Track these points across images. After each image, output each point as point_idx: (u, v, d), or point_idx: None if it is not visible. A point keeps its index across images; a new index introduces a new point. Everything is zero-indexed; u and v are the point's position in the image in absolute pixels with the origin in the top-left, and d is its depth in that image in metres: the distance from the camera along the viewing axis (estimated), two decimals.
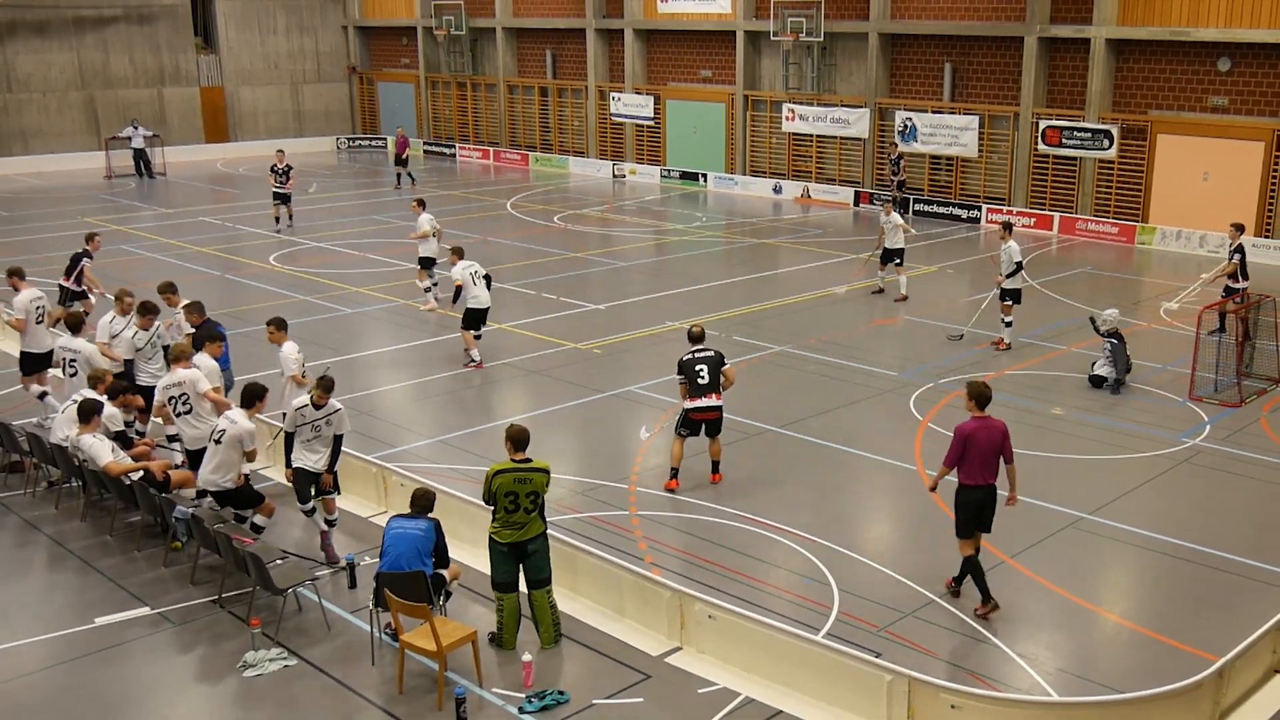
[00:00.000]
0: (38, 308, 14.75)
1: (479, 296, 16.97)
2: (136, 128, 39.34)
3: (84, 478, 12.07)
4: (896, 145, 30.93)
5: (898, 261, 21.45)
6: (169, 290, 14.56)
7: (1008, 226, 18.48)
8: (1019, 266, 17.97)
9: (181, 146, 42.67)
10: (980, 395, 10.20)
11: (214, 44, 44.96)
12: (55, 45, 40.79)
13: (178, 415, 11.82)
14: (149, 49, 42.81)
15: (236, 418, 10.88)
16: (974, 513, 10.08)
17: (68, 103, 41.28)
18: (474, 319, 17.16)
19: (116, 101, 42.16)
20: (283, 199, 28.65)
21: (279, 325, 12.86)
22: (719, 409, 12.61)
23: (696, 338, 12.91)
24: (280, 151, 29.58)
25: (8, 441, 13.14)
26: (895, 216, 21.54)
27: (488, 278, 17.17)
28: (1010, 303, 18.10)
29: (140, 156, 38.89)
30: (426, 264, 20.63)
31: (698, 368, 12.54)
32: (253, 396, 11.02)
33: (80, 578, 10.88)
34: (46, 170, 39.86)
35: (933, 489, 10.49)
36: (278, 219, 28.87)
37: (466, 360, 17.35)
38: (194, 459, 11.58)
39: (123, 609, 10.20)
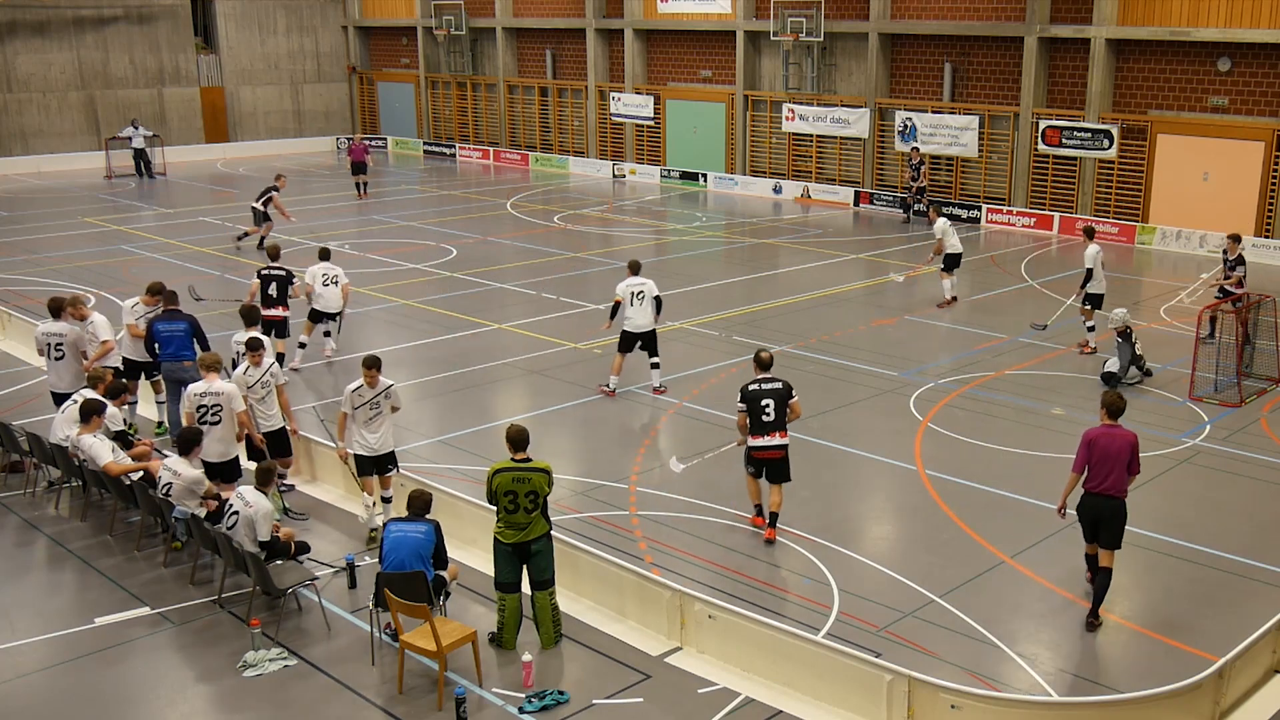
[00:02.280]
0: (56, 344, 13.71)
1: (632, 318, 15.61)
2: (136, 128, 39.30)
3: (84, 478, 12.07)
4: (919, 150, 30.52)
5: (943, 267, 21.11)
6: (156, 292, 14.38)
7: (1089, 232, 18.38)
8: (1089, 274, 17.76)
9: (181, 146, 42.68)
10: (1111, 405, 10.01)
11: (214, 44, 44.95)
12: (55, 45, 40.78)
13: (203, 424, 11.56)
14: (149, 49, 42.81)
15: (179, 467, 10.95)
16: (1089, 518, 9.96)
17: (68, 103, 41.28)
18: (625, 341, 15.87)
19: (116, 101, 42.16)
20: (260, 219, 25.90)
21: (375, 365, 11.36)
22: (783, 449, 11.57)
23: (764, 364, 11.84)
24: (281, 176, 26.90)
25: (8, 441, 13.14)
26: (942, 221, 21.04)
27: (658, 300, 15.73)
28: (1090, 307, 17.93)
29: (140, 156, 38.85)
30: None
31: (763, 402, 11.51)
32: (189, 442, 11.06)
33: (80, 578, 10.88)
34: (46, 170, 39.86)
35: (1061, 507, 10.17)
36: (243, 235, 26.32)
37: (601, 385, 16.16)
38: (211, 471, 11.44)
39: (123, 609, 10.20)
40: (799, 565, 11.07)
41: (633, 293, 15.66)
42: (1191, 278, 23.38)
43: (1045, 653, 9.60)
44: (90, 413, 11.70)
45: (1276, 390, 16.21)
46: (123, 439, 12.23)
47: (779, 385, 11.67)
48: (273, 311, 16.37)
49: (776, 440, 11.52)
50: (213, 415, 11.59)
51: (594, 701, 8.80)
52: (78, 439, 11.71)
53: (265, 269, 16.76)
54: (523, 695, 8.81)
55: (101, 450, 11.48)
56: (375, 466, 11.57)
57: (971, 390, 16.25)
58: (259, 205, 26.00)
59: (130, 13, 42.16)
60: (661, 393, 16.14)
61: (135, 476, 11.48)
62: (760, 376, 11.77)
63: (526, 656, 9.03)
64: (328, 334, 17.90)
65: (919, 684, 8.25)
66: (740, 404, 11.66)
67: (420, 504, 9.38)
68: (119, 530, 11.77)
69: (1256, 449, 14.09)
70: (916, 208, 29.98)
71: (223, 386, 11.65)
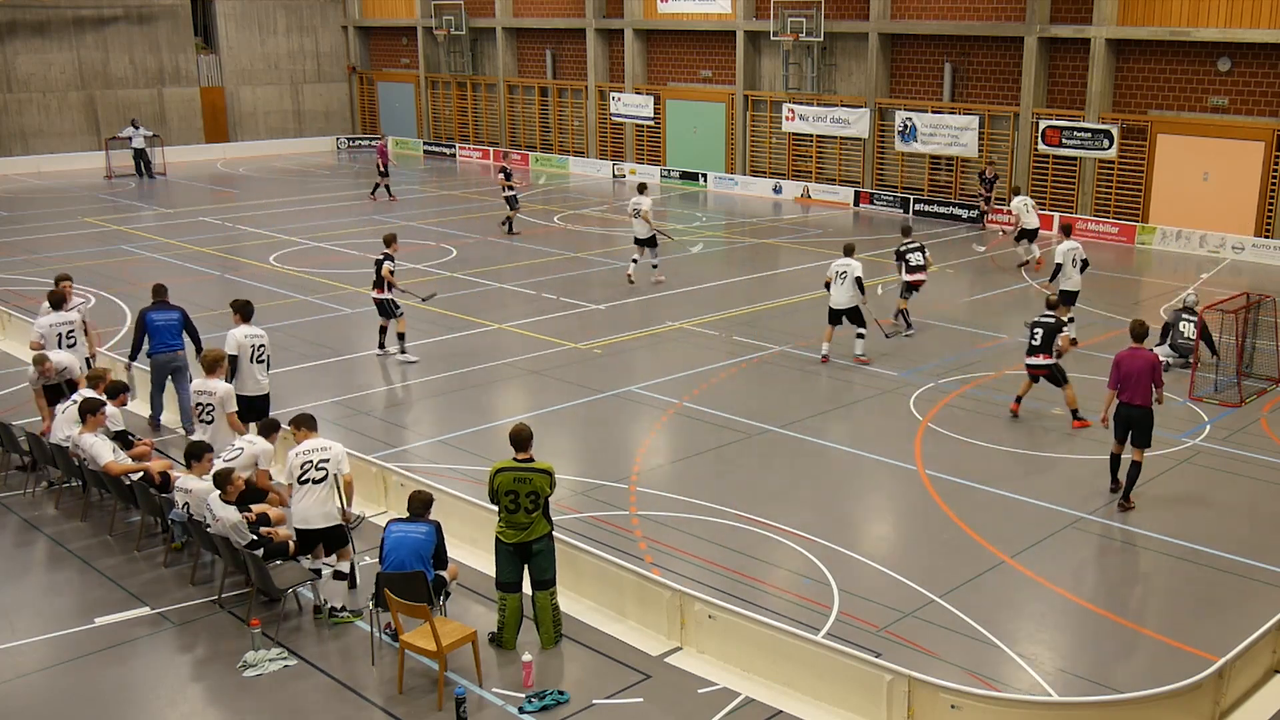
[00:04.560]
0: (68, 332, 14.03)
1: (833, 295, 17.22)
2: (137, 128, 39.31)
3: (84, 478, 12.07)
4: (993, 163, 29.56)
5: (1020, 238, 24.17)
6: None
7: (1065, 230, 18.94)
8: (1057, 269, 18.05)
9: (181, 146, 42.68)
10: (1134, 330, 12.30)
11: (214, 44, 44.96)
12: (55, 45, 40.79)
13: (200, 421, 11.81)
14: (149, 49, 42.81)
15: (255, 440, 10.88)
16: (1122, 425, 12.12)
17: (68, 103, 41.29)
18: (830, 315, 17.41)
19: (116, 101, 42.16)
20: (511, 203, 28.15)
21: (304, 424, 10.25)
22: (1046, 367, 14.78)
23: (1050, 305, 15.26)
24: (507, 154, 29.83)
25: (8, 441, 13.14)
26: (1018, 200, 24.11)
27: (859, 280, 17.08)
28: (1063, 304, 17.94)
29: (140, 156, 38.84)
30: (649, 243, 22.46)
31: (1035, 330, 14.82)
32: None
33: (80, 578, 10.87)
34: (46, 170, 39.86)
35: (1104, 419, 12.28)
36: (508, 222, 28.28)
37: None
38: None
39: (123, 609, 10.20)
40: (799, 565, 11.07)
41: (837, 272, 17.28)
42: (1191, 278, 23.39)
43: (1045, 653, 9.60)
44: (89, 412, 11.70)
45: (1276, 390, 16.22)
46: (123, 439, 12.23)
47: (1052, 320, 14.82)
48: (372, 293, 17.48)
49: (1039, 360, 14.77)
50: (206, 414, 11.68)
51: (594, 701, 8.80)
52: (78, 438, 11.71)
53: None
54: (523, 695, 8.81)
55: (102, 450, 11.48)
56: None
57: (971, 390, 16.25)
58: (507, 191, 28.20)
59: (130, 13, 42.16)
60: (865, 362, 17.37)
61: (135, 476, 11.47)
62: (1043, 313, 15.02)
63: (526, 656, 9.02)
64: (655, 265, 22.60)
65: (919, 684, 8.24)
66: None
67: (420, 504, 9.37)
68: (119, 530, 11.76)
69: (1256, 449, 14.09)
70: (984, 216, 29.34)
71: (216, 386, 11.65)
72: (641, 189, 22.81)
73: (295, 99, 47.05)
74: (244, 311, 13.26)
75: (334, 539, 10.10)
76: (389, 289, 17.30)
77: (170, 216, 31.43)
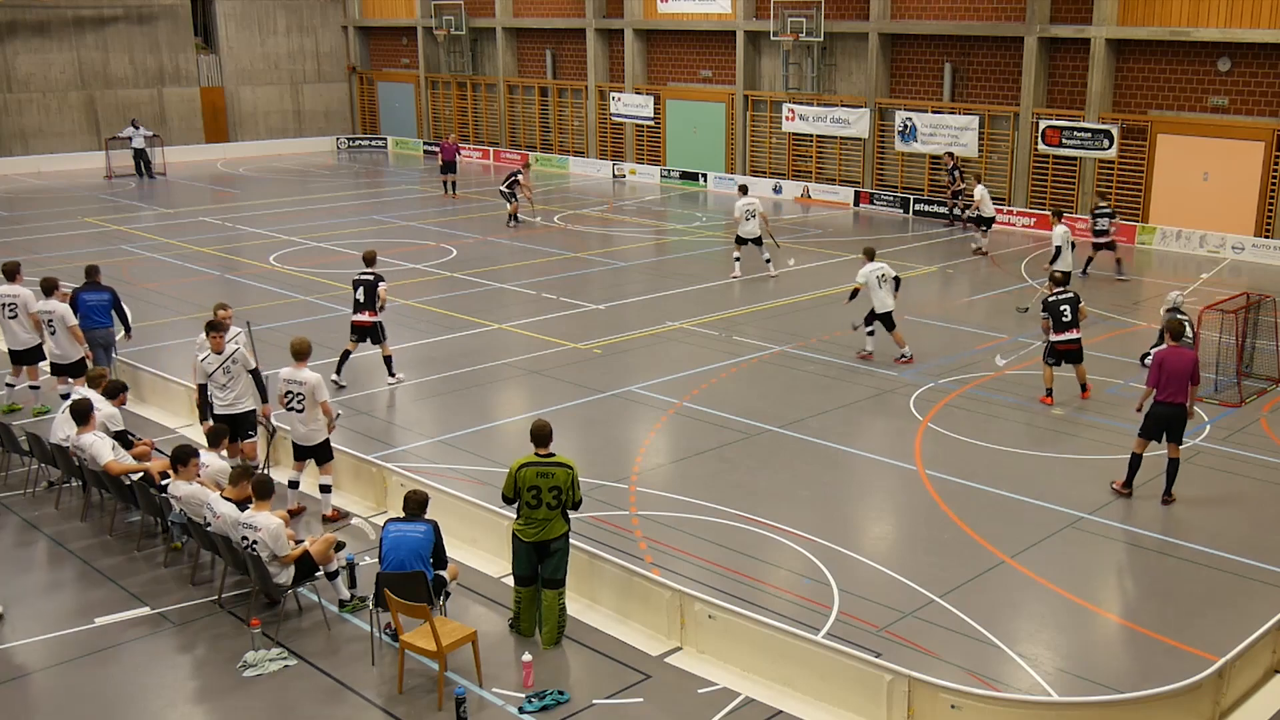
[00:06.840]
0: (8, 305, 15.15)
1: (883, 299, 17.22)
2: (137, 128, 39.30)
3: (84, 478, 12.07)
4: (955, 155, 29.54)
5: (985, 228, 25.70)
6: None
7: (1057, 214, 20.54)
8: (1057, 251, 19.56)
9: (181, 146, 42.65)
10: (1171, 329, 12.47)
11: (214, 44, 44.96)
12: (55, 45, 40.79)
13: (290, 410, 11.95)
14: (149, 49, 42.81)
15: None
16: (1159, 424, 12.22)
17: (68, 103, 41.28)
18: (884, 320, 17.38)
19: (116, 101, 42.16)
20: (509, 197, 29.32)
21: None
22: (1078, 341, 15.39)
23: (1058, 281, 15.72)
24: (525, 155, 31.20)
25: (8, 442, 13.14)
26: (980, 189, 25.58)
27: (897, 280, 17.44)
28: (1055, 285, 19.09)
29: (140, 156, 38.83)
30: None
31: (1061, 308, 15.21)
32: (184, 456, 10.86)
33: (80, 578, 10.88)
34: (46, 170, 39.86)
35: (1139, 408, 12.53)
36: (512, 217, 29.35)
37: (859, 351, 17.85)
38: (303, 453, 12.17)
39: (123, 609, 10.20)
40: (799, 565, 11.07)
41: (877, 276, 17.28)
42: (1192, 278, 23.39)
43: (1045, 653, 9.60)
44: (83, 413, 11.68)
45: (1276, 390, 16.22)
46: (123, 439, 12.22)
47: (1071, 294, 15.42)
48: (360, 316, 16.22)
49: (1074, 335, 15.32)
50: (296, 403, 11.87)
51: (594, 701, 8.80)
52: (77, 439, 11.71)
53: (358, 273, 16.56)
54: (523, 695, 8.81)
55: (102, 449, 11.48)
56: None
57: (971, 390, 16.25)
58: (504, 188, 29.42)
59: (130, 13, 42.16)
60: (906, 362, 17.33)
61: (135, 476, 11.47)
62: (1056, 290, 15.47)
63: (526, 656, 9.03)
64: (768, 260, 23.24)
65: (919, 684, 8.25)
66: (1043, 313, 15.48)
67: (416, 504, 9.36)
68: (119, 530, 11.77)
69: (1256, 449, 14.09)
70: (962, 213, 28.93)
71: (306, 376, 11.83)
72: (744, 190, 23.66)
73: (295, 99, 47.05)
74: (211, 327, 12.76)
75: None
76: (380, 311, 16.17)
77: (170, 216, 31.42)
